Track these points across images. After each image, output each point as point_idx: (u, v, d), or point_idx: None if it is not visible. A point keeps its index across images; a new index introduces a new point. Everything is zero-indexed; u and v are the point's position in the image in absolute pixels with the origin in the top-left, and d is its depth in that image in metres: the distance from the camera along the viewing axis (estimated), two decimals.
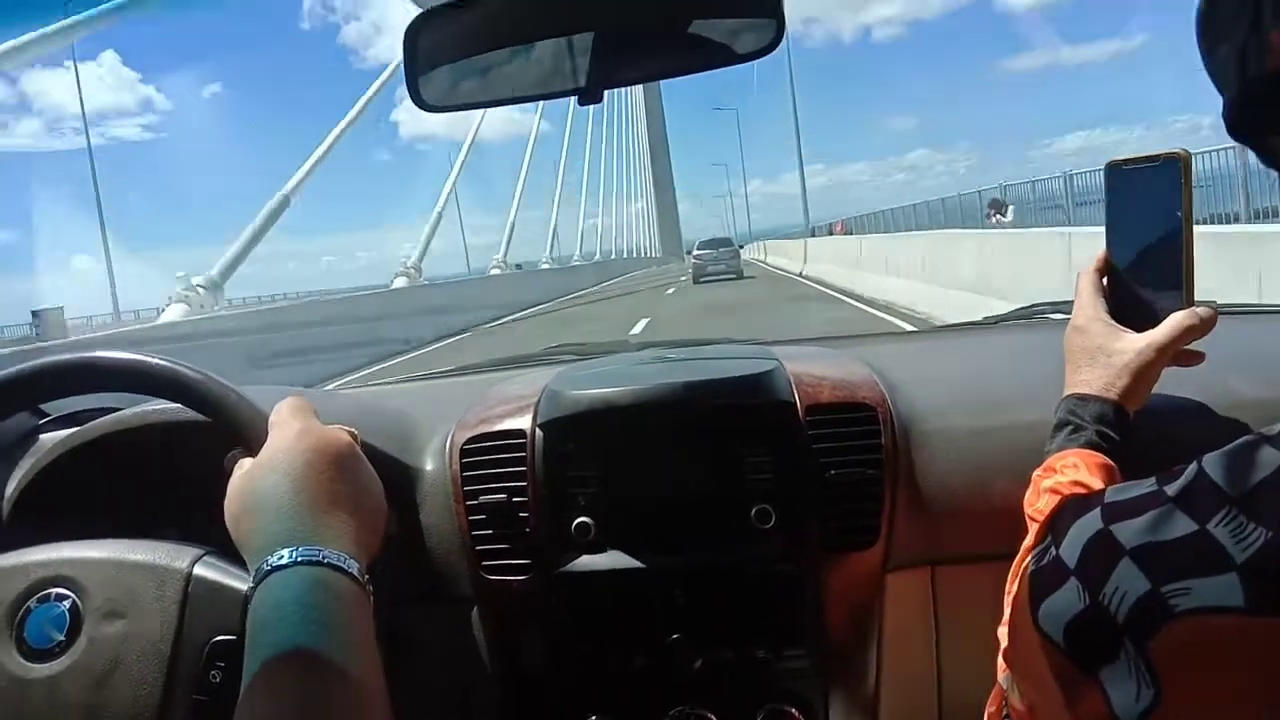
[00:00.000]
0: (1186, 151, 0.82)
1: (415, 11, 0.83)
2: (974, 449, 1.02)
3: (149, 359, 0.80)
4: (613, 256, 79.20)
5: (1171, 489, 0.47)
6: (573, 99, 0.83)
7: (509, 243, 32.41)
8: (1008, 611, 0.75)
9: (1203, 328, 0.82)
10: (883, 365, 1.13)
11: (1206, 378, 0.89)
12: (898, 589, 1.01)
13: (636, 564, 0.99)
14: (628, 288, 33.88)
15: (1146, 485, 0.49)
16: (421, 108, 0.83)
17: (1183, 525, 0.45)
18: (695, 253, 31.30)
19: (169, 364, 0.80)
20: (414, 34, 0.83)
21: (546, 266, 42.52)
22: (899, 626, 1.02)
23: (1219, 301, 0.92)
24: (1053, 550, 0.50)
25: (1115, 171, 0.87)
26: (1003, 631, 0.73)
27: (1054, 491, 0.78)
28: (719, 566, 1.01)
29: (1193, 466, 0.47)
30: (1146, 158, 0.84)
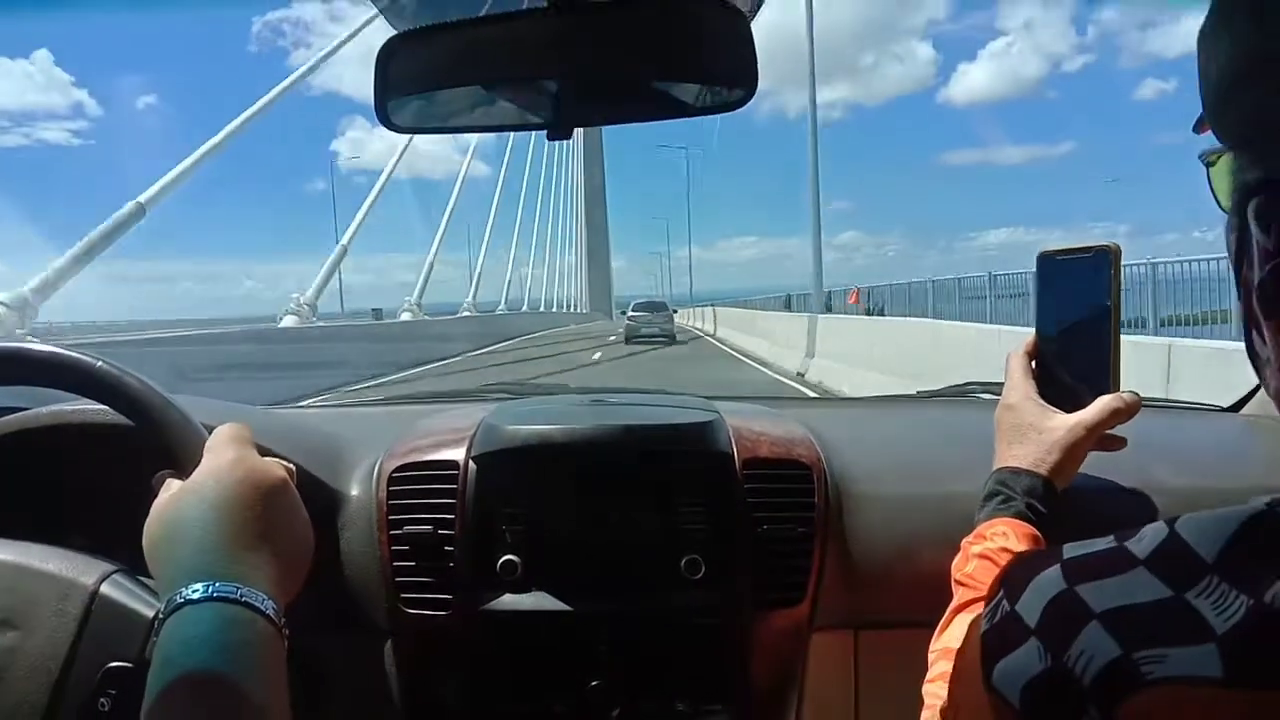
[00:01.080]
0: (1117, 245, 0.86)
1: (390, 32, 0.83)
2: (904, 516, 1.03)
3: (92, 359, 0.76)
4: (524, 309, 67.42)
5: (1139, 550, 0.46)
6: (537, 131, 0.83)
7: (425, 284, 28.77)
8: (935, 670, 0.75)
9: (1127, 411, 0.87)
10: (820, 428, 1.14)
11: (1127, 462, 0.92)
12: (822, 649, 1.01)
13: (561, 606, 0.98)
14: (543, 348, 26.87)
15: (1105, 543, 0.48)
16: (389, 128, 0.83)
17: (1155, 590, 0.44)
18: (630, 313, 31.39)
19: (111, 366, 0.76)
20: (386, 56, 0.82)
21: (467, 314, 37.77)
22: (821, 687, 1.02)
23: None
24: (1006, 606, 0.49)
25: (1047, 261, 0.91)
26: (930, 689, 0.74)
27: (982, 557, 0.81)
28: (645, 614, 1.00)
29: (1160, 527, 0.46)
30: (1078, 249, 0.89)
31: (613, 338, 31.84)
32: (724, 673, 1.00)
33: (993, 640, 0.48)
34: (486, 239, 48.12)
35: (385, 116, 0.83)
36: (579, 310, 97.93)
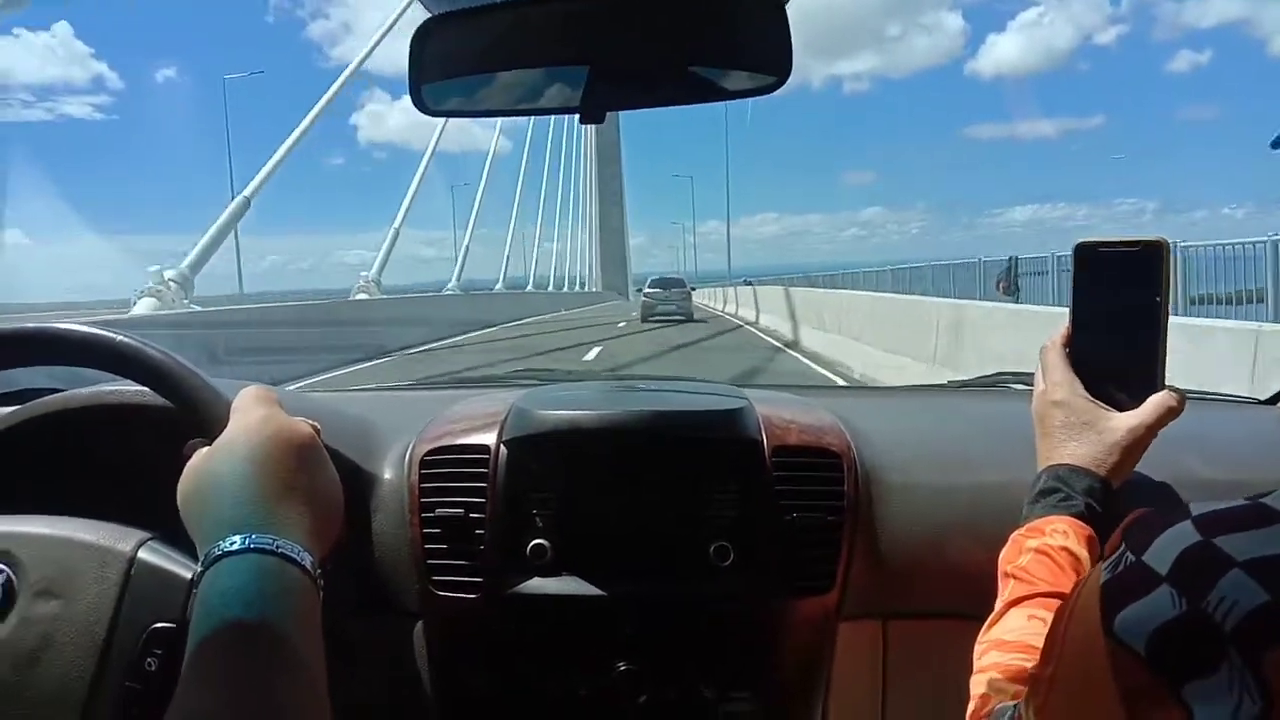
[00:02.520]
0: (1166, 240, 0.85)
1: (424, 15, 0.84)
2: (934, 506, 1.03)
3: (114, 335, 0.78)
4: (529, 287, 60.90)
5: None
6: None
7: (385, 260, 25.48)
8: (985, 660, 0.75)
9: (1179, 409, 0.86)
10: (849, 416, 1.14)
11: (1161, 455, 0.91)
12: (849, 639, 1.01)
13: (590, 590, 0.98)
14: (528, 338, 22.02)
15: (1237, 502, 0.47)
16: (422, 111, 0.83)
17: None
18: (645, 290, 30.60)
19: (135, 342, 0.78)
20: (421, 37, 0.83)
21: (448, 293, 32.81)
22: (847, 677, 1.01)
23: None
24: (1130, 557, 0.48)
25: (1088, 252, 0.89)
26: (979, 679, 0.73)
27: (1039, 552, 0.79)
28: (673, 600, 1.00)
29: None
30: (1123, 242, 0.87)
31: (623, 324, 27.41)
32: (751, 660, 1.00)
33: (1114, 589, 0.47)
34: (476, 208, 42.03)
35: (419, 99, 0.84)
36: (590, 289, 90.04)
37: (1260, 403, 1.36)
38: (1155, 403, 0.85)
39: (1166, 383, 0.86)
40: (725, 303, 38.11)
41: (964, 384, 1.64)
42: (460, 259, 38.14)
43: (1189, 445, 1.03)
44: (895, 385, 1.76)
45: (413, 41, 0.84)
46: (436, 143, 32.12)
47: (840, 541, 0.99)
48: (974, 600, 0.91)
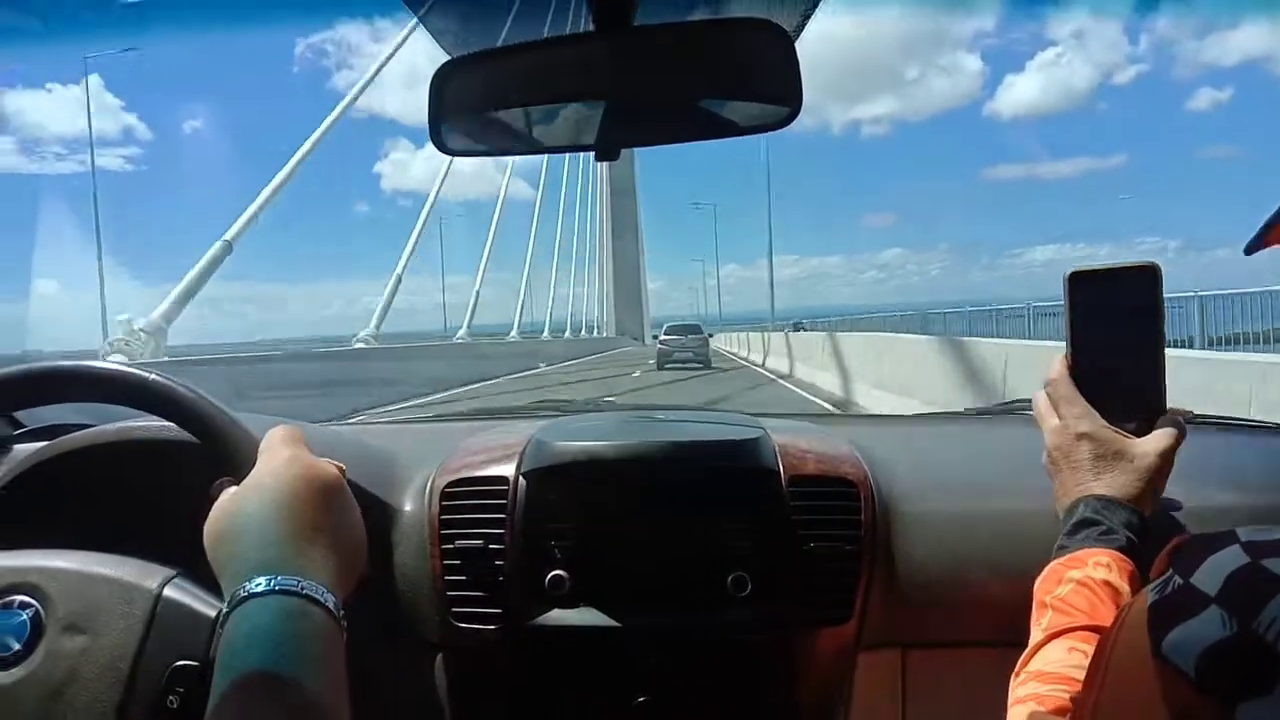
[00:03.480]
0: (1156, 264, 0.86)
1: (443, 57, 0.86)
2: (952, 535, 1.02)
3: (145, 373, 0.80)
4: (545, 334, 58.02)
5: None
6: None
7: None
8: (1024, 690, 0.74)
9: (1184, 432, 0.86)
10: (866, 445, 1.14)
11: (1180, 481, 0.90)
12: (868, 669, 1.00)
13: (609, 622, 0.98)
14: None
15: None
16: (441, 150, 0.85)
17: None
18: (662, 338, 29.83)
19: (164, 379, 0.80)
20: (441, 79, 0.85)
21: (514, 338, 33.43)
22: (868, 707, 1.01)
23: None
24: (1178, 580, 0.47)
25: (1081, 280, 0.89)
26: (1017, 710, 0.73)
27: (1082, 584, 0.79)
28: (691, 631, 1.00)
29: None
30: (1114, 267, 0.88)
31: (637, 374, 23.43)
32: (770, 690, 1.00)
33: (1162, 611, 0.47)
34: (486, 253, 39.03)
35: (439, 139, 0.86)
36: (603, 334, 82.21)
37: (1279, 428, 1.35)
38: (1170, 425, 0.86)
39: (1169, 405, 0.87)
40: (749, 350, 34.78)
41: (981, 411, 1.64)
42: (471, 305, 35.67)
43: (1209, 472, 1.03)
44: (911, 414, 1.75)
45: (432, 83, 0.86)
46: (441, 185, 31.06)
47: (858, 571, 0.99)
48: (993, 629, 0.90)
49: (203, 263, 16.92)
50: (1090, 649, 0.73)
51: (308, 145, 20.38)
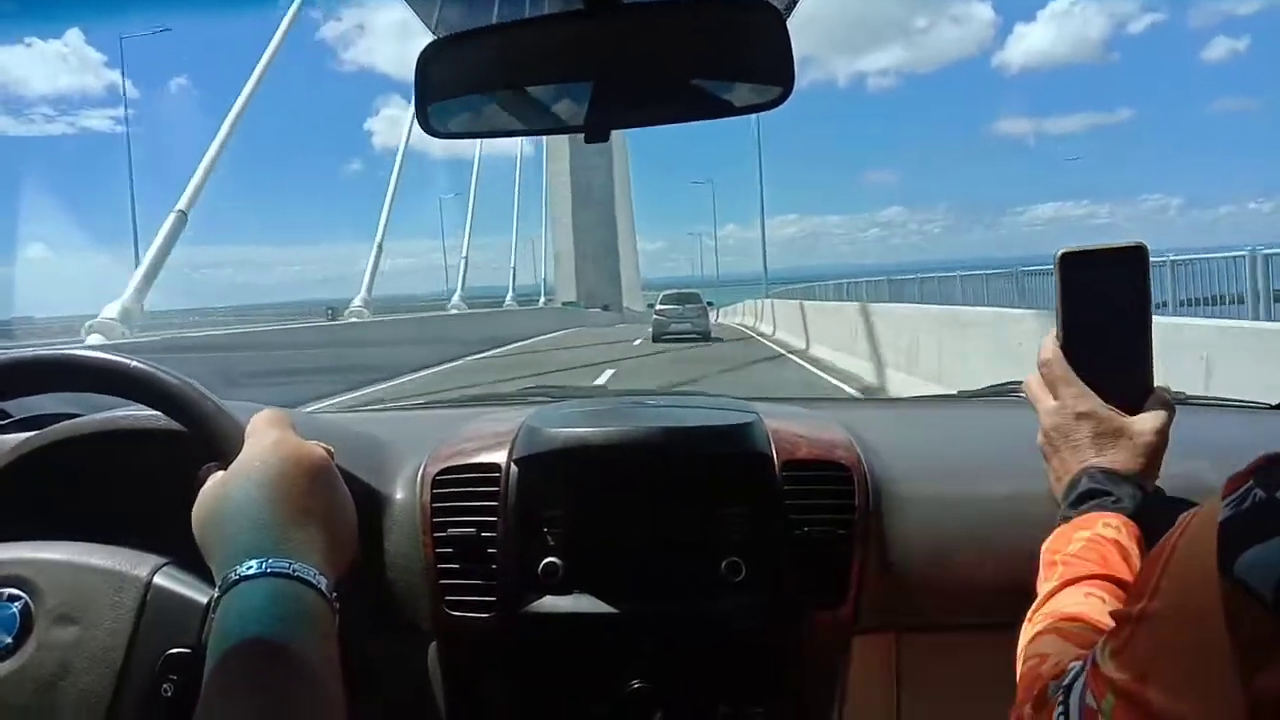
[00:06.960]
0: (1143, 244, 0.87)
1: (429, 38, 0.85)
2: (945, 517, 1.02)
3: (128, 361, 0.79)
4: (509, 301, 49.45)
5: None
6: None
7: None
8: (1036, 627, 0.73)
9: (1174, 410, 0.87)
10: (858, 429, 1.14)
11: (1172, 461, 0.90)
12: (863, 652, 1.01)
13: (603, 608, 0.98)
14: None
15: None
16: (429, 132, 0.84)
17: None
18: (658, 307, 28.03)
19: (149, 367, 0.78)
20: (427, 60, 0.83)
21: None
22: (862, 690, 1.01)
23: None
24: (1259, 494, 0.43)
25: (1071, 260, 0.89)
26: (1033, 647, 0.70)
27: (1093, 540, 0.78)
28: (685, 617, 0.99)
29: None
30: (1103, 248, 0.89)
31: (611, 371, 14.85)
32: (765, 675, 1.00)
33: (1238, 528, 0.43)
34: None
35: (426, 121, 0.85)
36: (550, 301, 62.57)
37: (1271, 408, 1.36)
38: (1160, 403, 0.87)
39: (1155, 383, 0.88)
40: (755, 318, 32.69)
41: (974, 394, 1.64)
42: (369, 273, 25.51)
43: (1201, 451, 1.02)
44: (904, 397, 1.74)
45: (418, 64, 0.85)
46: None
47: (852, 555, 0.99)
48: (988, 611, 0.90)
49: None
50: (1107, 596, 0.72)
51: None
